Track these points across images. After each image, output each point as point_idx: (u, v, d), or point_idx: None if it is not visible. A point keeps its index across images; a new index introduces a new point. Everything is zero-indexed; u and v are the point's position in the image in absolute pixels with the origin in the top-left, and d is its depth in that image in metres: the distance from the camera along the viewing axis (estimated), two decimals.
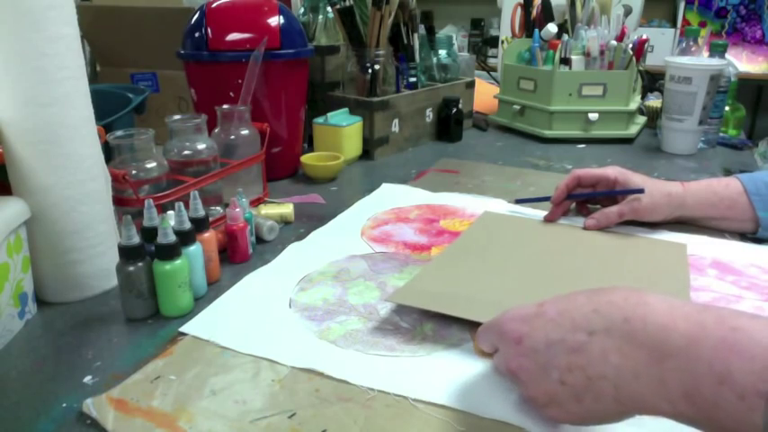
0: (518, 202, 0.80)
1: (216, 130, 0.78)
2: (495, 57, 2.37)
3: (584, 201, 0.77)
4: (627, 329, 0.34)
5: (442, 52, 1.25)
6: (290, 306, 0.56)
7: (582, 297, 0.38)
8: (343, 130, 0.98)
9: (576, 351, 0.36)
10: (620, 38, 1.13)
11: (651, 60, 1.48)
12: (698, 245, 0.68)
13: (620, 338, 0.34)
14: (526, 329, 0.39)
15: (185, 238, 0.54)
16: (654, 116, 1.25)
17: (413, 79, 1.13)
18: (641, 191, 0.70)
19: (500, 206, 0.81)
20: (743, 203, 0.70)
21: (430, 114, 1.17)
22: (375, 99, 1.02)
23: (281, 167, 0.94)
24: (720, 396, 0.29)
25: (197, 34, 0.84)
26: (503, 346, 0.41)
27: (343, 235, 0.72)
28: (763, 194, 0.69)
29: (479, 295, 0.55)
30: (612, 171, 0.73)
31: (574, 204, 0.78)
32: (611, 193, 0.74)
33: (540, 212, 0.78)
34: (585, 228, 0.72)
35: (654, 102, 1.29)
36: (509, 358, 0.40)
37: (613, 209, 0.71)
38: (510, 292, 0.57)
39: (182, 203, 0.55)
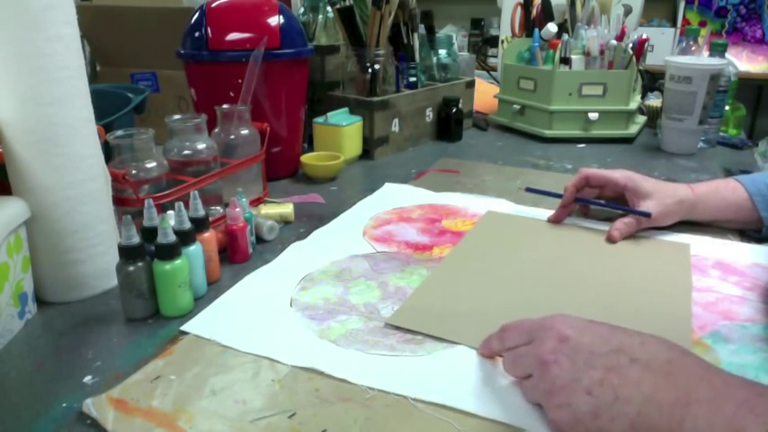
0: (528, 190, 0.80)
1: (216, 130, 0.78)
2: (495, 56, 2.37)
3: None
4: (666, 369, 0.36)
5: (442, 52, 1.25)
6: (290, 305, 0.56)
7: (634, 330, 0.40)
8: (343, 130, 0.98)
9: (614, 370, 0.37)
10: (620, 37, 1.13)
11: (651, 60, 1.48)
12: (700, 245, 0.68)
13: (658, 374, 0.36)
14: (575, 333, 0.40)
15: (185, 237, 0.54)
16: (654, 116, 1.25)
17: (413, 79, 1.13)
18: (648, 215, 0.69)
19: (503, 206, 0.81)
20: (748, 207, 0.70)
21: (430, 114, 1.17)
22: (375, 99, 1.02)
23: (281, 167, 0.94)
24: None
25: (197, 34, 0.84)
26: (544, 338, 0.41)
27: (345, 234, 0.72)
28: (765, 195, 0.70)
29: (480, 316, 0.53)
30: (622, 177, 0.72)
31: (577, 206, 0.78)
32: (616, 208, 0.73)
33: (541, 212, 0.77)
34: (610, 240, 0.69)
35: (654, 101, 1.29)
36: (546, 350, 0.40)
37: (631, 218, 0.70)
38: (513, 305, 0.56)
39: (182, 203, 0.55)
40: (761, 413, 0.32)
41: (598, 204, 0.75)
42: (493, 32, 3.13)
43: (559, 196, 0.75)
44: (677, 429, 0.34)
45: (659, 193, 0.71)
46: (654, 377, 0.36)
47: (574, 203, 0.75)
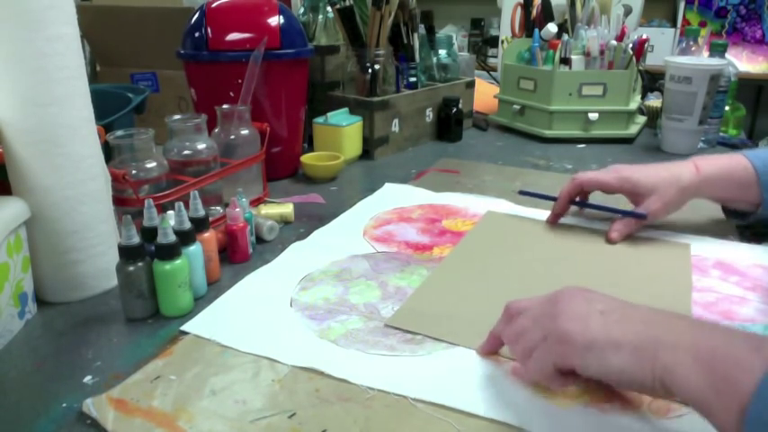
0: (522, 193, 0.78)
1: (216, 130, 0.78)
2: (495, 57, 2.38)
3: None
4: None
5: (442, 52, 1.25)
6: (291, 305, 0.56)
7: None
8: (343, 130, 0.98)
9: (624, 305, 0.41)
10: (620, 38, 1.13)
11: (651, 60, 1.48)
12: (701, 245, 0.68)
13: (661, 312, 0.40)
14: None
15: (185, 237, 0.54)
16: (654, 116, 1.25)
17: (413, 79, 1.13)
18: (644, 216, 0.68)
19: (503, 206, 0.81)
20: (754, 188, 0.67)
21: (430, 114, 1.17)
22: (375, 99, 1.02)
23: (281, 167, 0.94)
24: (748, 356, 0.33)
25: (197, 34, 0.84)
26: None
27: (345, 235, 0.72)
28: None
29: (480, 317, 0.52)
30: (616, 180, 0.70)
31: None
32: (611, 211, 0.72)
33: (541, 212, 0.77)
34: (609, 241, 0.69)
35: (654, 101, 1.29)
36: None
37: (630, 219, 0.69)
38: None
39: (182, 203, 0.55)
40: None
41: (592, 207, 0.74)
42: (493, 32, 3.13)
43: (554, 199, 0.74)
44: (689, 341, 0.36)
45: (660, 186, 0.68)
46: (664, 312, 0.40)
47: (568, 207, 0.74)
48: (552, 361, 0.41)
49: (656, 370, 0.36)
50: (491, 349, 0.48)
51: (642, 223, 0.70)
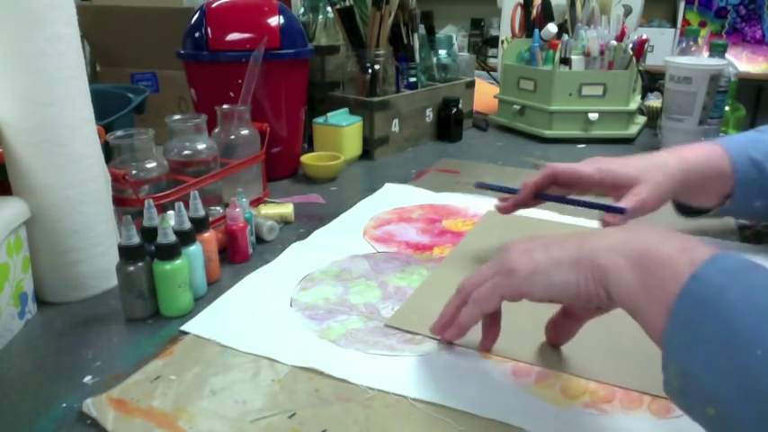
0: (479, 186, 0.67)
1: (216, 130, 0.78)
2: (495, 57, 2.37)
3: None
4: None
5: (442, 52, 1.25)
6: (291, 305, 0.56)
7: None
8: (343, 130, 0.98)
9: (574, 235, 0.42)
10: (620, 38, 1.13)
11: (651, 60, 1.48)
12: None
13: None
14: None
15: (185, 238, 0.54)
16: (654, 116, 1.25)
17: (413, 79, 1.13)
18: (622, 211, 0.59)
19: None
20: (729, 175, 0.63)
21: (430, 114, 1.17)
22: (375, 99, 1.02)
23: (281, 167, 0.94)
24: (676, 257, 0.34)
25: (197, 34, 0.84)
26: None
27: (345, 235, 0.72)
28: (747, 172, 0.63)
29: None
30: (596, 172, 0.62)
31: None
32: (588, 206, 0.62)
33: (541, 212, 0.77)
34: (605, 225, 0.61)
35: (654, 102, 1.29)
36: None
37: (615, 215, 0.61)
38: (511, 305, 0.55)
39: (182, 203, 0.55)
40: (713, 249, 0.34)
41: (566, 202, 0.64)
42: (493, 33, 3.13)
43: (513, 191, 0.65)
44: (623, 245, 0.37)
45: (645, 173, 0.61)
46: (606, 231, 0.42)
47: (534, 201, 0.65)
48: (500, 293, 0.43)
49: (595, 274, 0.38)
50: (444, 325, 0.48)
51: (636, 215, 0.61)
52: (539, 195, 0.64)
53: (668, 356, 0.33)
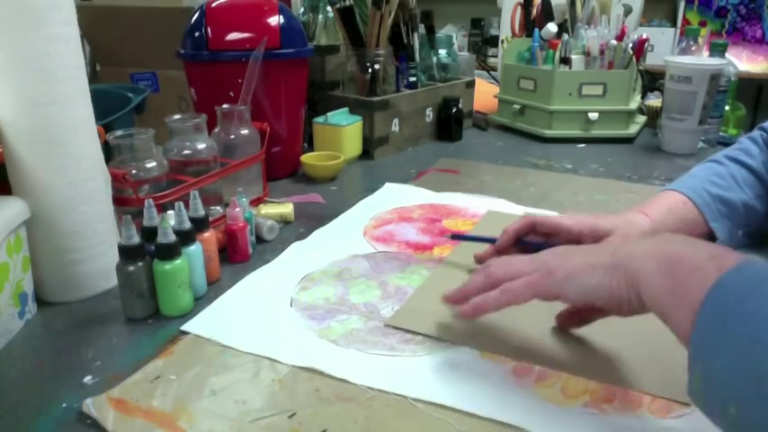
0: (454, 237, 0.68)
1: (216, 130, 0.78)
2: (495, 56, 2.37)
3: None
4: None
5: (442, 52, 1.25)
6: (291, 305, 0.56)
7: None
8: (343, 130, 0.98)
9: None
10: (620, 37, 1.13)
11: (651, 60, 1.48)
12: None
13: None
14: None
15: (185, 237, 0.54)
16: (654, 116, 1.25)
17: (413, 79, 1.13)
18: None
19: (503, 206, 0.81)
20: (699, 221, 0.64)
21: (430, 114, 1.17)
22: (375, 99, 1.02)
23: (281, 167, 0.94)
24: (705, 263, 0.35)
25: (197, 34, 0.84)
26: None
27: (346, 234, 0.72)
28: (709, 204, 0.65)
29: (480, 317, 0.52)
30: (576, 223, 0.61)
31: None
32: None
33: (542, 212, 0.77)
34: None
35: (654, 101, 1.29)
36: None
37: None
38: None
39: (182, 203, 0.55)
40: (743, 257, 0.36)
41: (545, 247, 0.56)
42: (493, 32, 3.13)
43: (491, 241, 0.64)
44: (657, 252, 0.39)
45: (619, 227, 0.61)
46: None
47: (514, 247, 0.63)
48: (534, 291, 0.45)
49: (628, 278, 0.40)
50: (462, 299, 0.49)
51: None
52: (519, 242, 0.63)
53: (694, 358, 0.34)
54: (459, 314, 0.49)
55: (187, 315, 0.54)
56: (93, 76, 1.22)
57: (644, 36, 1.18)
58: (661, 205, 0.66)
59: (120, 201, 0.61)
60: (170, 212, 0.57)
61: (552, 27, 1.14)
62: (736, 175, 0.67)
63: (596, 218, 0.62)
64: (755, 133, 0.71)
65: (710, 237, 0.65)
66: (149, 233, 0.53)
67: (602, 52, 1.12)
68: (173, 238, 0.52)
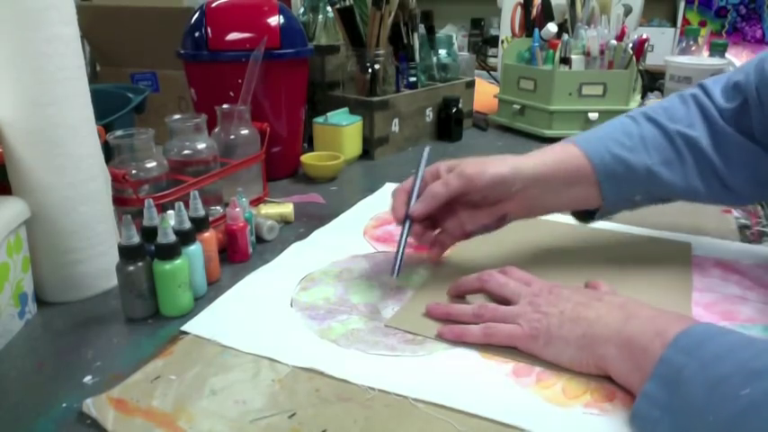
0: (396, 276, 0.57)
1: (216, 130, 0.78)
2: (495, 56, 2.37)
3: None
4: (621, 303, 0.48)
5: (442, 52, 1.25)
6: (291, 305, 0.56)
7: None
8: (343, 130, 0.98)
9: (583, 304, 0.48)
10: (620, 37, 1.13)
11: (651, 60, 1.48)
12: (701, 245, 0.68)
13: (613, 305, 0.47)
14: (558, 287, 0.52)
15: (185, 237, 0.54)
16: None
17: (413, 79, 1.13)
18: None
19: None
20: (592, 178, 0.59)
21: (430, 114, 1.17)
22: (375, 99, 1.02)
23: (281, 167, 0.93)
24: (652, 342, 0.41)
25: (197, 34, 0.84)
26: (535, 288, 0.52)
27: (346, 234, 0.72)
28: (606, 163, 0.59)
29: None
30: (478, 177, 0.57)
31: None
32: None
33: None
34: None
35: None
36: (537, 289, 0.52)
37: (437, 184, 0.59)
38: None
39: (182, 203, 0.55)
40: (685, 323, 0.41)
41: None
42: (493, 32, 3.13)
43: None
44: (616, 336, 0.44)
45: (508, 177, 0.57)
46: (609, 307, 0.47)
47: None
48: (513, 344, 0.48)
49: (597, 360, 0.44)
50: (446, 319, 0.52)
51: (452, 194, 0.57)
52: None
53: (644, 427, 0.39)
54: (437, 332, 0.51)
55: (187, 315, 0.54)
56: (93, 76, 1.22)
57: (644, 36, 1.18)
58: (550, 156, 0.60)
59: (120, 201, 0.61)
60: (170, 212, 0.57)
61: (552, 27, 1.14)
62: (647, 137, 0.60)
63: (488, 165, 0.57)
64: (692, 91, 0.63)
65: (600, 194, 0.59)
66: (149, 233, 0.53)
67: (602, 52, 1.12)
68: (173, 238, 0.52)
